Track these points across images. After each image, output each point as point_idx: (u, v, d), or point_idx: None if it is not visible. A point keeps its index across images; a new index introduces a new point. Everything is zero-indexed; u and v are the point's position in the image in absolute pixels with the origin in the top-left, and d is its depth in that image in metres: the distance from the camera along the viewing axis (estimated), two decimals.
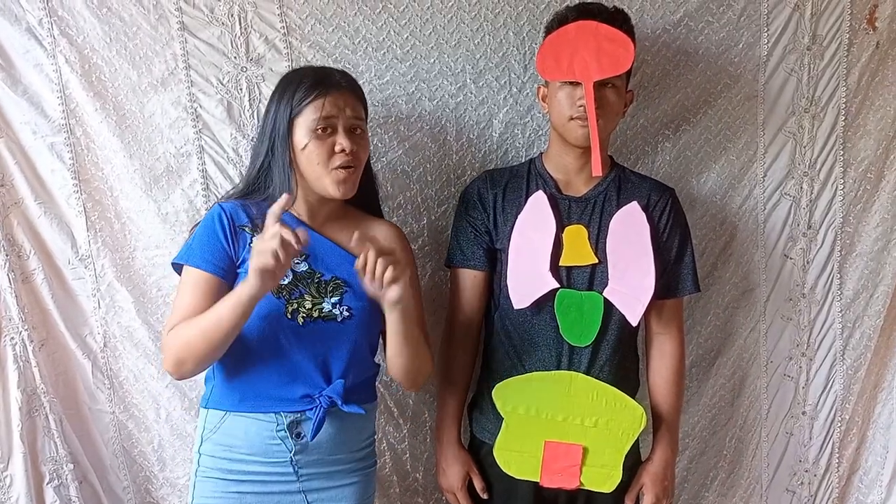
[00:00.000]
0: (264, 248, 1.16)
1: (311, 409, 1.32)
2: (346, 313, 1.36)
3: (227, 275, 1.33)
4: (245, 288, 1.21)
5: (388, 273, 1.21)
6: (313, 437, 1.32)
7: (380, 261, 1.21)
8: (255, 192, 1.39)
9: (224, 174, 1.62)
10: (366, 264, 1.21)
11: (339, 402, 1.32)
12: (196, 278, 1.32)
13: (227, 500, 1.34)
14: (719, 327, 1.88)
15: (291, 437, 1.33)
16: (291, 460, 1.33)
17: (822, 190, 1.86)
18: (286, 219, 1.35)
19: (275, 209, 1.19)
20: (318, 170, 1.34)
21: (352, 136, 1.36)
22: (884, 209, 1.87)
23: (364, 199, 1.49)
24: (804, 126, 1.83)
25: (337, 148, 1.34)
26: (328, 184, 1.35)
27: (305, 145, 1.34)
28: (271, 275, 1.18)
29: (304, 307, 1.34)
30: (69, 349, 1.62)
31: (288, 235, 1.15)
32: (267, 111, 1.40)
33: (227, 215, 1.35)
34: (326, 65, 1.60)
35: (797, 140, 1.83)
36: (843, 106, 1.82)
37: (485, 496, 1.55)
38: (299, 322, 1.33)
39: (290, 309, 1.32)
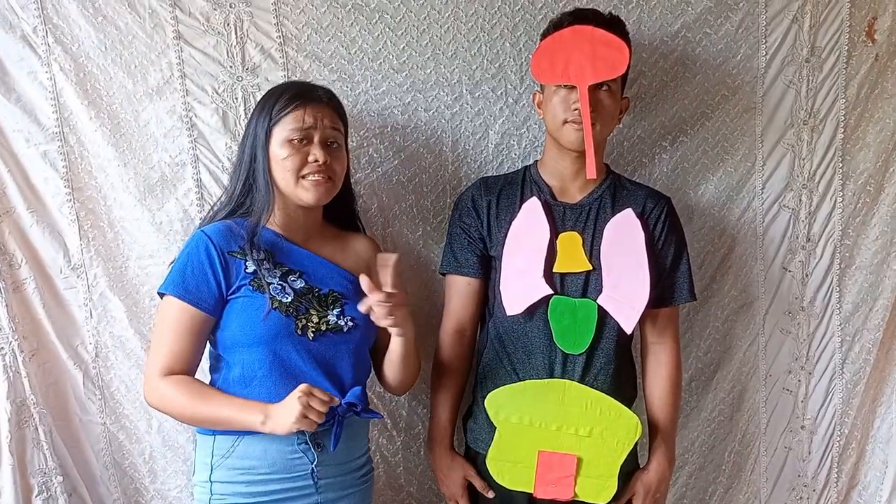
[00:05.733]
0: (302, 414, 1.19)
1: (330, 420, 1.31)
2: (350, 323, 1.38)
3: (215, 310, 1.33)
4: (265, 426, 1.23)
5: (388, 319, 1.29)
6: (335, 447, 1.31)
7: (381, 306, 1.27)
8: (240, 206, 1.39)
9: (219, 184, 1.61)
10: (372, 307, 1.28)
11: (360, 409, 1.33)
12: (181, 313, 1.31)
13: None
14: (718, 340, 1.87)
15: (314, 449, 1.33)
16: (313, 472, 1.34)
17: (821, 202, 1.85)
18: (266, 234, 1.36)
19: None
20: (289, 178, 1.35)
21: (327, 149, 1.36)
22: (883, 222, 1.86)
23: (342, 215, 1.50)
24: (803, 138, 1.82)
25: (310, 158, 1.35)
26: (300, 191, 1.36)
27: (280, 156, 1.34)
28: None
29: (312, 322, 1.35)
30: (60, 359, 1.60)
31: (318, 405, 1.21)
32: (247, 126, 1.41)
33: (214, 245, 1.33)
34: (322, 75, 1.61)
35: (796, 152, 1.82)
36: (842, 118, 1.82)
37: (490, 495, 1.53)
38: (309, 337, 1.34)
39: (299, 325, 1.33)
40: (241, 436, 1.32)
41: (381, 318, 1.29)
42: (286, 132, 1.34)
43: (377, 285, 1.51)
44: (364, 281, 1.27)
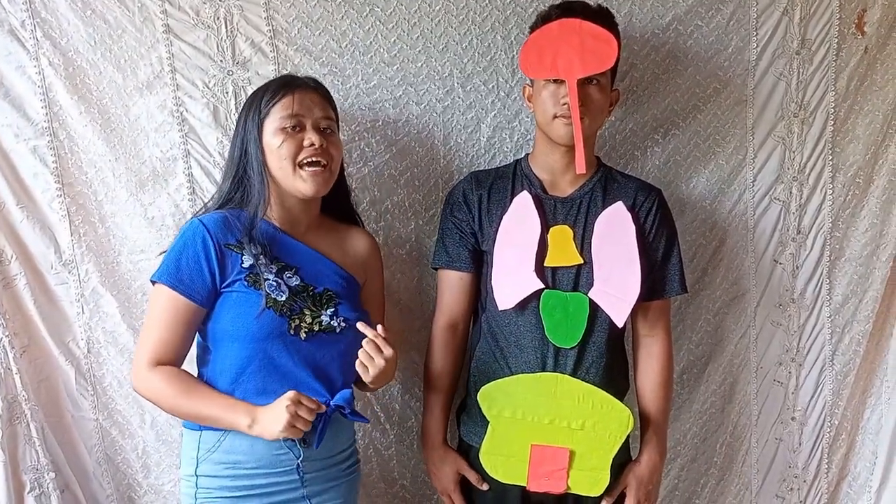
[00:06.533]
0: (290, 423, 1.22)
1: (317, 419, 1.30)
2: (342, 324, 1.37)
3: (207, 302, 1.33)
4: (251, 430, 1.26)
5: (362, 359, 1.29)
6: (318, 445, 1.31)
7: (362, 350, 1.29)
8: (229, 201, 1.38)
9: (210, 178, 1.60)
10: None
11: (348, 412, 1.33)
12: (172, 302, 1.31)
13: None
14: (710, 333, 1.88)
15: (299, 445, 1.33)
16: (298, 467, 1.34)
17: (811, 194, 1.86)
18: (264, 227, 1.35)
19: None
20: (287, 166, 1.34)
21: (321, 134, 1.36)
22: (873, 214, 1.87)
23: (339, 208, 1.50)
24: (793, 130, 1.82)
25: (305, 143, 1.34)
26: (298, 181, 1.35)
27: (275, 145, 1.33)
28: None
29: (306, 322, 1.34)
30: (52, 355, 1.60)
31: (306, 414, 1.23)
32: (237, 125, 1.40)
33: (211, 236, 1.32)
34: (313, 69, 1.60)
35: (786, 144, 1.83)
36: (832, 110, 1.82)
37: (484, 487, 1.53)
38: (301, 337, 1.33)
39: (292, 325, 1.32)
40: (227, 431, 1.32)
41: (358, 364, 1.30)
42: (277, 121, 1.34)
43: (370, 281, 1.51)
44: (361, 325, 1.31)
